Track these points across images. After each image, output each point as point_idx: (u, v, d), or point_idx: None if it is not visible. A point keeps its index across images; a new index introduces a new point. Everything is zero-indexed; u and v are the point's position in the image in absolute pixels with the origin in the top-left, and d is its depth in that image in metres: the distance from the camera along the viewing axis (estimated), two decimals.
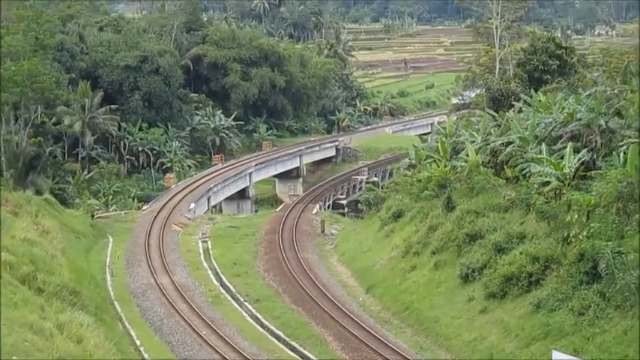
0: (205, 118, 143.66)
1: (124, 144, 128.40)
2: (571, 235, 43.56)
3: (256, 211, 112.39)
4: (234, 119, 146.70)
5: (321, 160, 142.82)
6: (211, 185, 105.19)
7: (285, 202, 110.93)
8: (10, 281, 38.64)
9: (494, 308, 45.97)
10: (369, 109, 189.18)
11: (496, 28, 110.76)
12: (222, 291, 59.71)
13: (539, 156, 54.26)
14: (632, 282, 37.17)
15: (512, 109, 70.87)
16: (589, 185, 47.86)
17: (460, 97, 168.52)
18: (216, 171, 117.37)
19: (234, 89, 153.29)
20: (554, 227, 46.75)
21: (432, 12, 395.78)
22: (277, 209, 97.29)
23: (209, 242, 74.45)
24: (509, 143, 60.97)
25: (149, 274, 63.10)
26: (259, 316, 53.26)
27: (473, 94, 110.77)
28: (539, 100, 65.38)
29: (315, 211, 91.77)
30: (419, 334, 49.10)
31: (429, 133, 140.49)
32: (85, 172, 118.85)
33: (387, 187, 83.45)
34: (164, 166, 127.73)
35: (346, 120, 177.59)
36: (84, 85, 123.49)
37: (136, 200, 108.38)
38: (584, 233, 42.46)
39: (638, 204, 41.84)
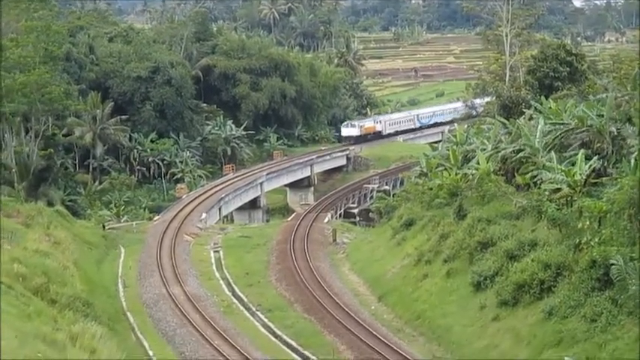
0: (216, 128, 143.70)
1: (135, 155, 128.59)
2: (582, 241, 43.27)
3: (268, 220, 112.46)
4: (245, 129, 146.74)
5: (332, 169, 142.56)
6: (222, 195, 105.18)
7: (297, 211, 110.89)
8: (22, 293, 38.78)
9: (506, 316, 45.82)
10: None
11: (506, 35, 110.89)
12: (235, 301, 59.64)
13: (549, 163, 54.15)
14: None
15: (523, 116, 70.63)
16: (600, 192, 47.66)
17: (351, 125, 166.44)
18: (227, 181, 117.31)
19: (245, 99, 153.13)
20: (566, 234, 46.52)
21: (441, 20, 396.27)
22: (289, 219, 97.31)
23: (221, 252, 74.43)
24: (519, 150, 60.72)
25: (161, 284, 63.05)
26: (272, 326, 53.25)
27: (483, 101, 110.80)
28: (550, 107, 65.01)
29: (326, 220, 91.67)
30: (431, 342, 49.03)
31: (439, 141, 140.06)
32: (96, 183, 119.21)
33: (398, 196, 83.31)
34: (175, 177, 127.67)
35: None
36: (94, 96, 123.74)
37: (147, 211, 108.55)
38: (596, 240, 42.19)
39: None
